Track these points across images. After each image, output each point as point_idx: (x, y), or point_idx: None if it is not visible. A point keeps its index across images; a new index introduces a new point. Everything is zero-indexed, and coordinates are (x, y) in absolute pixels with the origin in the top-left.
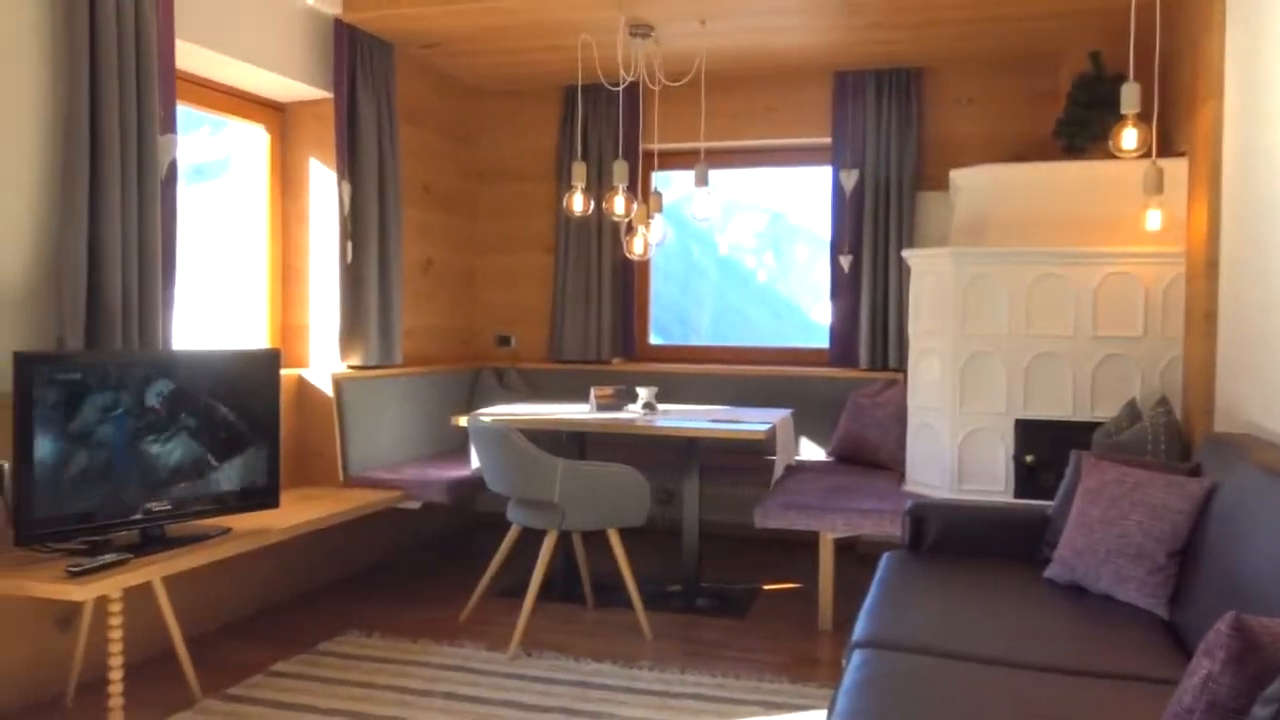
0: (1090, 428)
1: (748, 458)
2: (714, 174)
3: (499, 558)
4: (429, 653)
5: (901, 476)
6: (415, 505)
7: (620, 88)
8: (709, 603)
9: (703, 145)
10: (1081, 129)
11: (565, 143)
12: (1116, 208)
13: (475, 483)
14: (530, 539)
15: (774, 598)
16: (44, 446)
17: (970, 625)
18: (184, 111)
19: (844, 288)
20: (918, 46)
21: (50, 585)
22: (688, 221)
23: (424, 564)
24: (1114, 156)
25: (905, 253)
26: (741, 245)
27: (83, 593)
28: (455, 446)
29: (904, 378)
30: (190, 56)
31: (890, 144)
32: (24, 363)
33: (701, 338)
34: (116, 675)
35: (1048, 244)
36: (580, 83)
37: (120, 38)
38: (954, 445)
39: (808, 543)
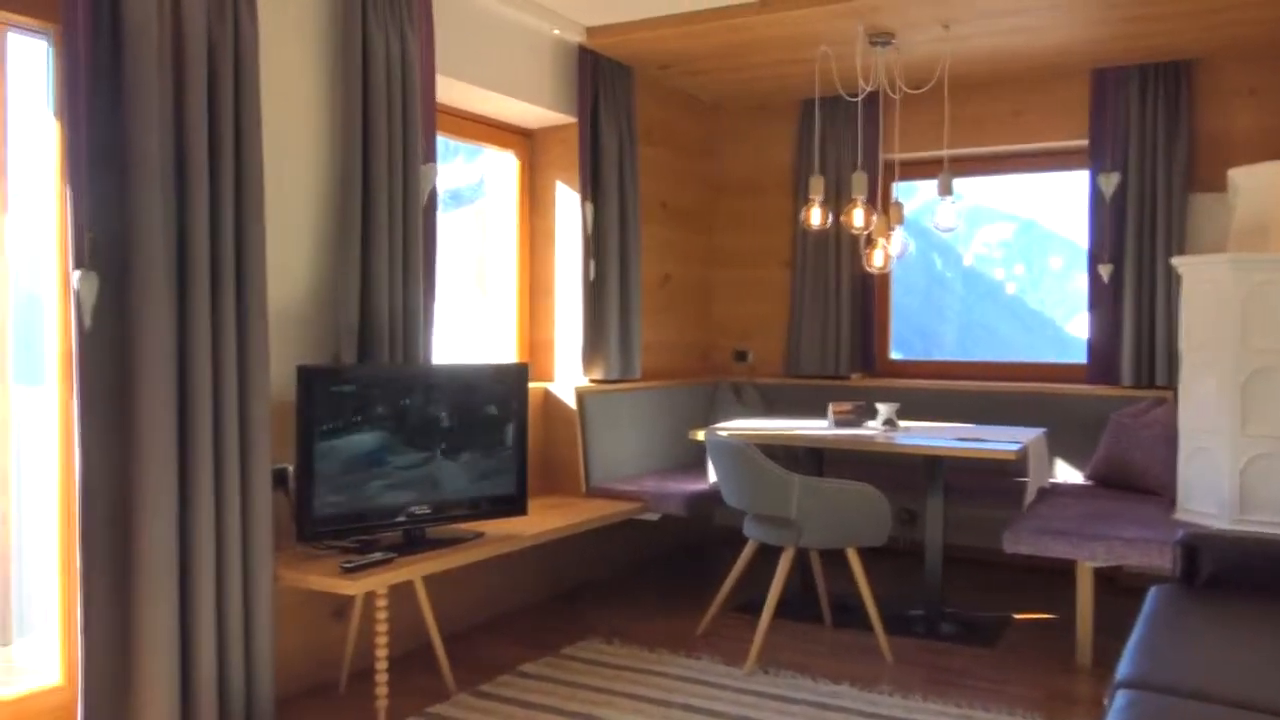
0: None
1: (996, 478)
2: (958, 182)
3: (736, 572)
4: (666, 663)
5: (1171, 503)
6: (654, 517)
7: (859, 98)
8: (954, 629)
9: (946, 153)
10: None
11: (802, 156)
12: None
13: (712, 496)
14: (767, 554)
15: (1025, 628)
16: (322, 451)
17: (1254, 671)
18: (442, 141)
19: (1104, 299)
20: (1188, 36)
21: (326, 579)
22: (930, 232)
23: (661, 575)
24: None
25: (1175, 260)
26: (988, 256)
27: (354, 588)
28: (693, 460)
29: (1173, 396)
30: (448, 89)
31: (1156, 143)
32: (305, 375)
33: (945, 352)
34: (382, 666)
35: None
36: (818, 95)
37: (389, 77)
38: (1234, 471)
39: (1061, 571)
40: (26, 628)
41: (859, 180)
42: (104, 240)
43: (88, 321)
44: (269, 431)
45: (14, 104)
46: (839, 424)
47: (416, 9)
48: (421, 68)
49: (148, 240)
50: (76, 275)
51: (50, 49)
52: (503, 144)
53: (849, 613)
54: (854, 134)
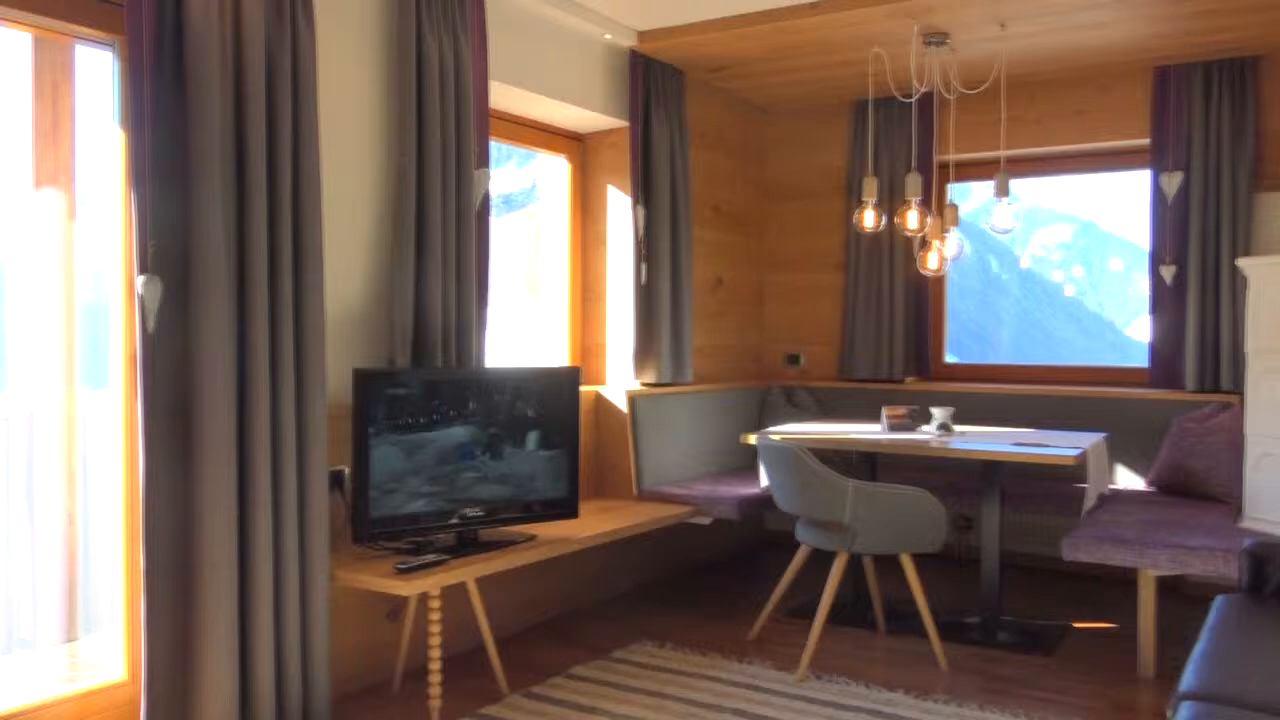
0: None
1: (1054, 484)
2: (1015, 184)
3: (788, 577)
4: (718, 668)
5: (1236, 511)
6: (705, 521)
7: (913, 99)
8: (1011, 637)
9: (1003, 154)
10: None
11: (855, 158)
12: None
13: (764, 501)
14: (820, 559)
15: (1085, 637)
16: (377, 454)
17: None
18: (494, 146)
19: (1166, 301)
20: (1253, 33)
21: (381, 580)
22: (986, 234)
23: (713, 579)
24: None
25: (1241, 261)
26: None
27: (408, 588)
28: (744, 464)
29: (1239, 401)
30: (501, 95)
31: (1221, 142)
32: (361, 378)
33: (1001, 356)
34: (436, 666)
35: None
36: (871, 96)
37: (443, 83)
38: None
39: (1122, 580)
40: (93, 624)
41: (913, 182)
42: (167, 246)
43: (151, 325)
44: (326, 434)
45: (82, 115)
46: (893, 428)
47: (470, 16)
48: (475, 74)
49: (208, 246)
50: (140, 280)
51: (115, 60)
52: (555, 148)
53: (903, 619)
54: (908, 135)
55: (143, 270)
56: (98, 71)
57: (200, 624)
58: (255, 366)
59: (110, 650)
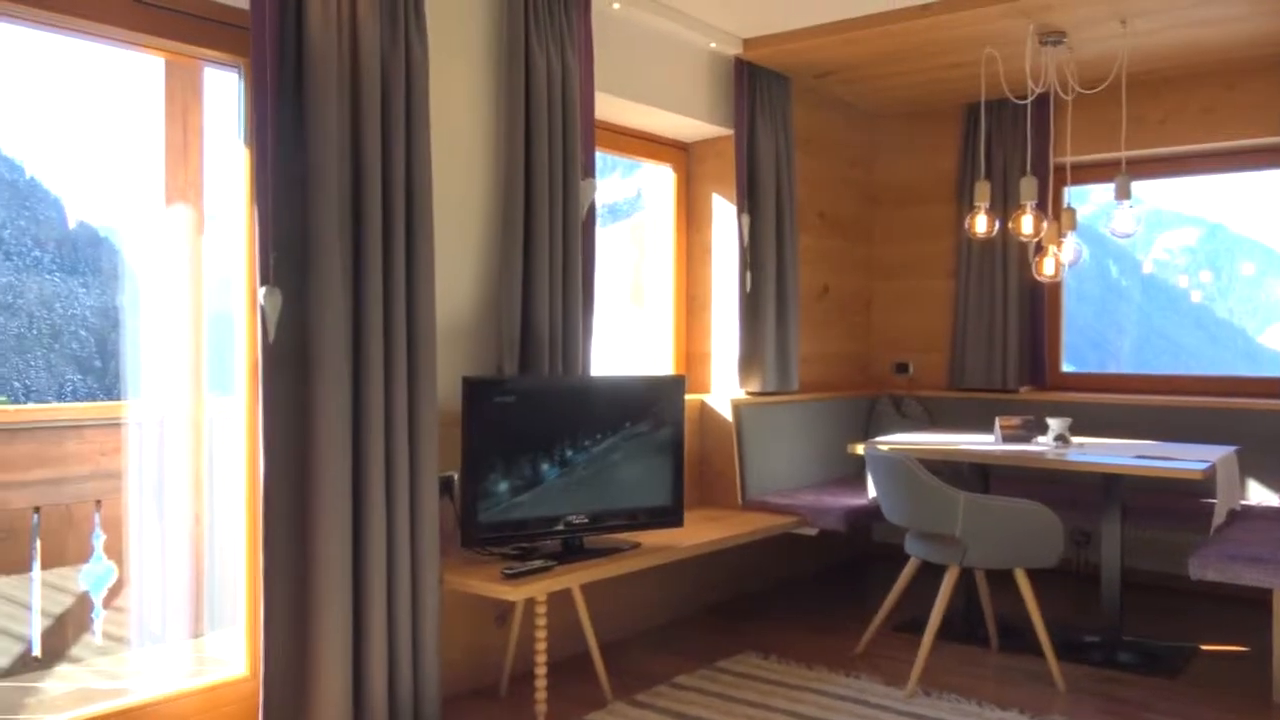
0: None
1: (1180, 499)
2: (1137, 185)
3: (896, 590)
4: (824, 681)
5: None
6: (812, 531)
7: (1028, 100)
8: (1133, 658)
9: (1123, 155)
10: None
11: (967, 162)
12: None
13: (872, 512)
14: (929, 572)
15: (1212, 659)
16: (485, 460)
17: None
18: (600, 157)
19: None
20: None
21: (489, 585)
22: (1105, 239)
23: (819, 590)
24: None
25: None
26: (1170, 262)
27: (515, 594)
28: (851, 474)
29: None
30: (606, 105)
31: None
32: (470, 385)
33: (1122, 365)
34: (541, 671)
35: None
36: (983, 98)
37: (550, 95)
38: None
39: (1254, 600)
40: (218, 621)
41: (1028, 185)
42: (287, 258)
43: (271, 334)
44: (436, 440)
45: (210, 134)
46: (1007, 439)
47: (577, 28)
48: (581, 85)
49: (325, 257)
50: (262, 291)
51: (241, 81)
52: (660, 158)
53: (1017, 636)
54: (1022, 137)
55: (264, 281)
56: (225, 92)
57: (316, 623)
58: (369, 374)
59: (233, 646)
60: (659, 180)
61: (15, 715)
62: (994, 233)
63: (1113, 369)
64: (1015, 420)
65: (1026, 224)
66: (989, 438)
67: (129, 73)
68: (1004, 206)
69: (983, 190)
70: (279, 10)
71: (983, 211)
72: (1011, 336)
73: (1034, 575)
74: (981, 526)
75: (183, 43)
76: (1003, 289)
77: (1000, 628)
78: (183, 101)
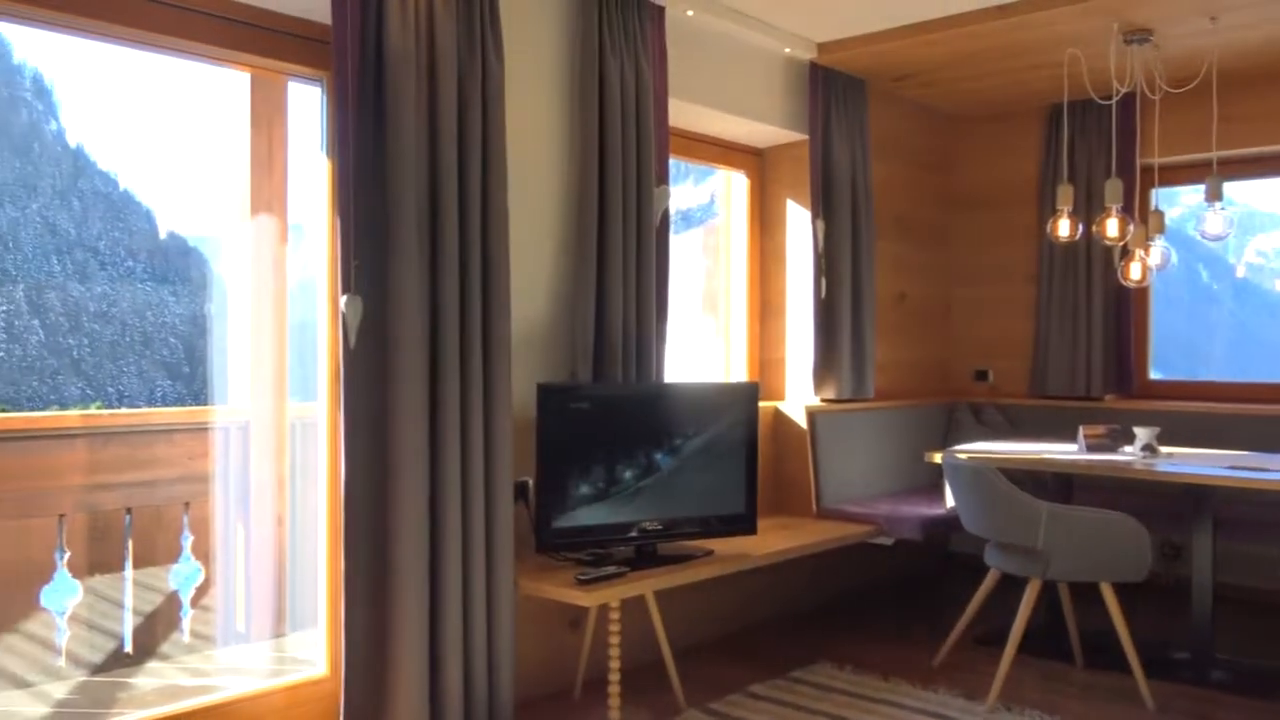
0: None
1: (1275, 511)
2: (1229, 186)
3: (976, 602)
4: (901, 693)
5: None
6: (888, 541)
7: (1113, 101)
8: (1226, 676)
9: (1214, 155)
10: None
11: (1049, 165)
12: None
13: (950, 522)
14: (1010, 585)
15: None
16: (559, 466)
17: None
18: (673, 163)
19: None
20: None
21: (563, 590)
22: (1195, 242)
23: (894, 601)
24: None
25: None
26: (1264, 265)
27: (588, 599)
28: (928, 483)
29: None
30: (680, 112)
31: None
32: (544, 392)
33: (1213, 372)
34: (615, 677)
35: None
36: (1065, 99)
37: (624, 103)
38: None
39: None
40: (299, 622)
41: (1113, 188)
42: (367, 266)
43: (352, 341)
44: (511, 446)
45: (293, 146)
46: (1091, 448)
47: (651, 37)
48: (655, 92)
49: (404, 266)
50: (343, 299)
51: (323, 94)
52: (733, 164)
53: (1102, 652)
54: (1107, 139)
55: (345, 290)
56: (308, 105)
57: (394, 625)
58: (446, 380)
59: (314, 646)
60: (733, 186)
61: (108, 709)
62: (1077, 237)
63: (1204, 376)
64: (1100, 429)
65: (1111, 227)
66: (1072, 447)
67: (217, 87)
68: (1087, 210)
69: (1065, 193)
70: (360, 24)
71: (1065, 215)
72: (1096, 343)
73: (1120, 589)
74: (1065, 538)
75: (268, 58)
76: (1086, 294)
77: (1085, 643)
78: (268, 115)
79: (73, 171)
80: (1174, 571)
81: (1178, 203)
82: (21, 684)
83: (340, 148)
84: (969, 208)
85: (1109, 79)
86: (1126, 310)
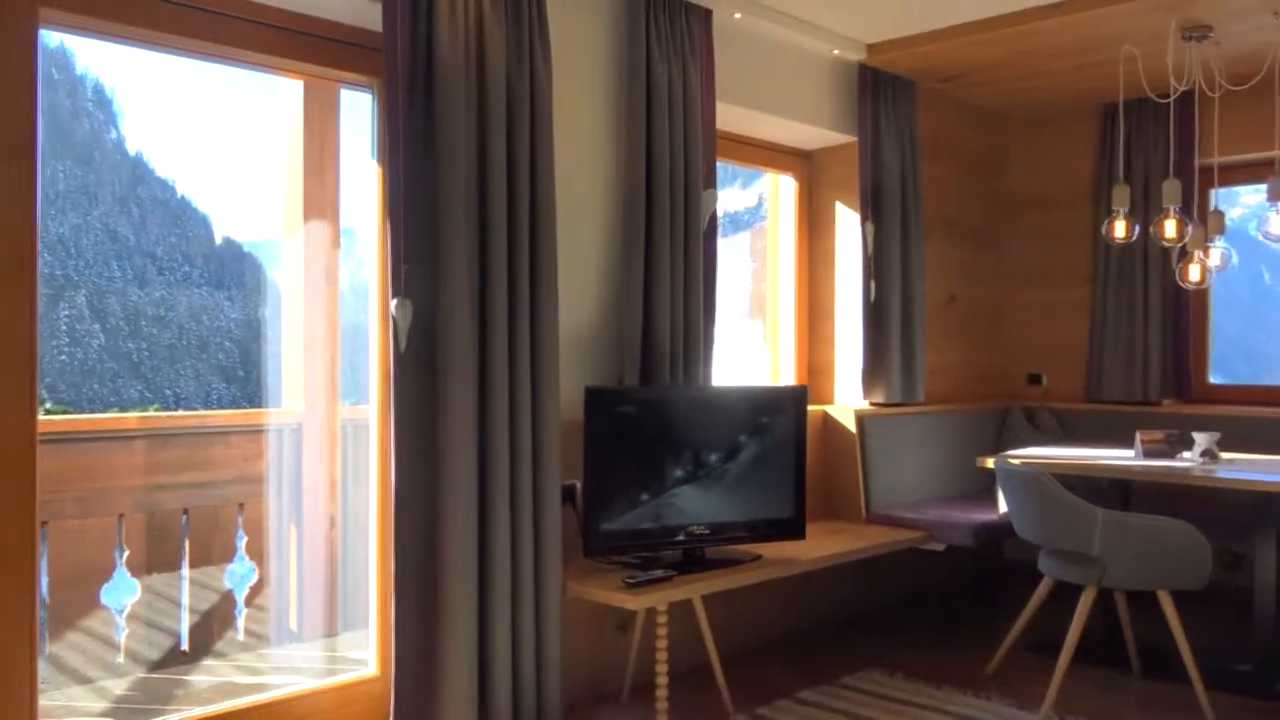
0: None
1: None
2: None
3: (1029, 610)
4: (953, 701)
5: None
6: (939, 547)
7: (1170, 99)
8: None
9: (1277, 154)
10: None
11: (1104, 165)
12: None
13: (1002, 528)
14: (1064, 592)
15: None
16: (607, 469)
17: None
18: (720, 166)
19: None
20: None
21: (611, 594)
22: (1258, 243)
23: (946, 608)
24: None
25: None
26: None
27: (636, 603)
28: (980, 488)
29: None
30: (727, 115)
31: None
32: (592, 396)
33: (1276, 376)
34: (663, 681)
35: None
36: (1121, 98)
37: (671, 109)
38: None
39: None
40: (351, 622)
41: (1171, 188)
42: (417, 271)
43: (402, 345)
44: (559, 449)
45: (345, 152)
46: (1148, 454)
47: (698, 40)
48: (703, 96)
49: (453, 270)
50: (394, 303)
51: (374, 101)
52: (781, 167)
53: (1160, 662)
54: (1164, 138)
55: (396, 294)
56: (359, 112)
57: (443, 626)
58: (495, 383)
59: (365, 646)
60: (780, 189)
61: (165, 705)
62: (1134, 238)
63: (1266, 380)
64: (1158, 434)
65: (1169, 229)
66: (1129, 452)
67: (271, 95)
68: (1144, 211)
69: (1121, 194)
70: (410, 32)
71: (1122, 216)
72: (1153, 346)
73: (1179, 598)
74: (1121, 545)
75: (321, 65)
76: (1143, 297)
77: (1142, 652)
78: (320, 121)
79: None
80: (1234, 582)
81: (1238, 203)
82: (83, 679)
83: (390, 153)
84: (1021, 209)
85: (1166, 76)
86: (1185, 313)
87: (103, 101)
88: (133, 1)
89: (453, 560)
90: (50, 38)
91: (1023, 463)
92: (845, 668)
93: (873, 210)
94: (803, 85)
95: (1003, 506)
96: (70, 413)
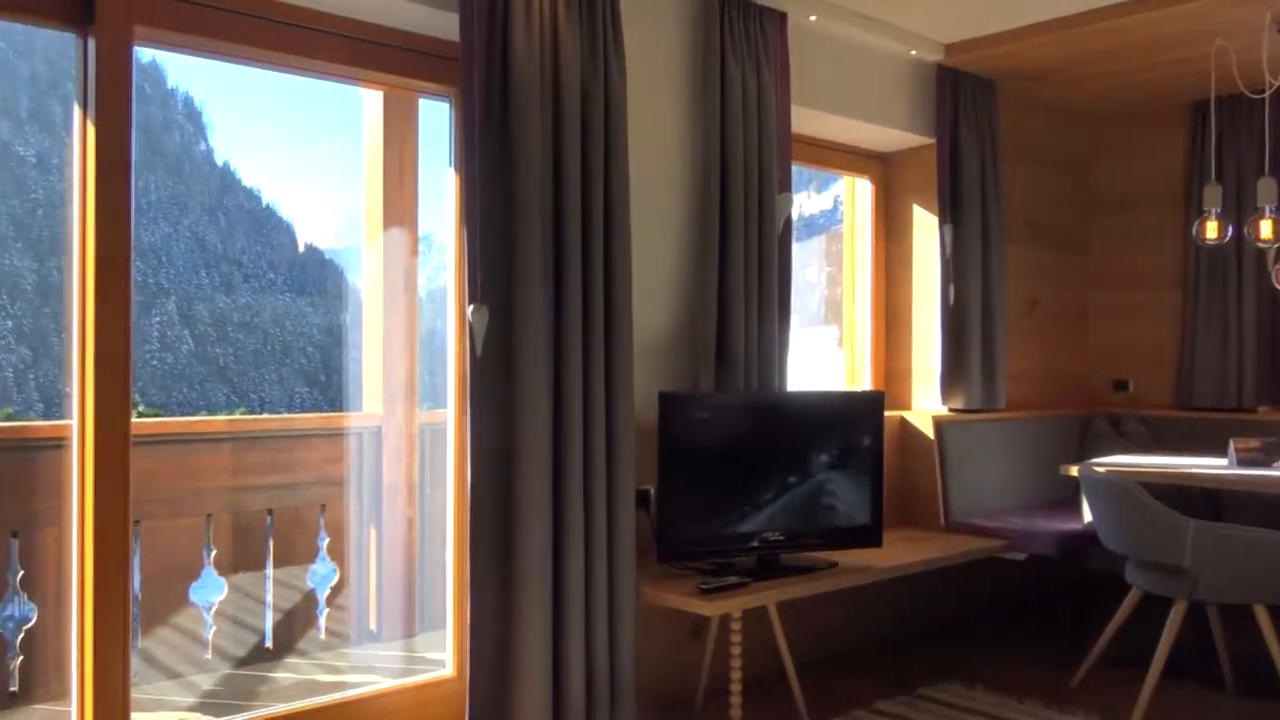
0: None
1: None
2: None
3: (1116, 622)
4: (1036, 716)
5: None
6: (1020, 557)
7: (1266, 94)
8: None
9: None
10: None
11: (1194, 164)
12: None
13: (1087, 538)
14: (1153, 604)
15: None
16: (681, 474)
17: None
18: (795, 170)
19: None
20: None
21: (685, 599)
22: None
23: (1027, 619)
24: None
25: None
26: None
27: (710, 609)
28: (1064, 497)
29: None
30: (802, 118)
31: None
32: (666, 401)
33: None
34: (736, 687)
35: None
36: (1213, 95)
37: (745, 111)
38: None
39: None
40: (428, 623)
41: (1266, 187)
42: (493, 277)
43: (479, 350)
44: (633, 453)
45: (423, 161)
46: (1243, 463)
47: (774, 43)
48: (777, 100)
49: (529, 276)
50: (470, 309)
51: (451, 110)
52: (858, 170)
53: (1256, 679)
54: (1259, 135)
55: (472, 300)
56: (437, 121)
57: (518, 629)
58: (569, 388)
59: (442, 647)
60: (857, 192)
61: (250, 701)
62: (1226, 239)
63: None
64: (1253, 442)
65: (1265, 229)
66: (1222, 461)
67: (352, 106)
68: (1238, 211)
69: (1213, 194)
70: (487, 40)
71: (1213, 217)
72: (1248, 351)
73: (1276, 613)
74: (1214, 558)
75: (400, 75)
76: (1237, 300)
77: (1236, 668)
78: (399, 130)
79: (220, 189)
80: None
81: None
82: (172, 674)
83: (467, 161)
84: (1106, 210)
85: (1261, 71)
86: None
87: (192, 114)
88: (221, 18)
89: (528, 564)
90: (143, 53)
91: (1108, 471)
92: (923, 679)
93: (952, 213)
94: (879, 87)
95: (1087, 516)
96: (161, 415)
